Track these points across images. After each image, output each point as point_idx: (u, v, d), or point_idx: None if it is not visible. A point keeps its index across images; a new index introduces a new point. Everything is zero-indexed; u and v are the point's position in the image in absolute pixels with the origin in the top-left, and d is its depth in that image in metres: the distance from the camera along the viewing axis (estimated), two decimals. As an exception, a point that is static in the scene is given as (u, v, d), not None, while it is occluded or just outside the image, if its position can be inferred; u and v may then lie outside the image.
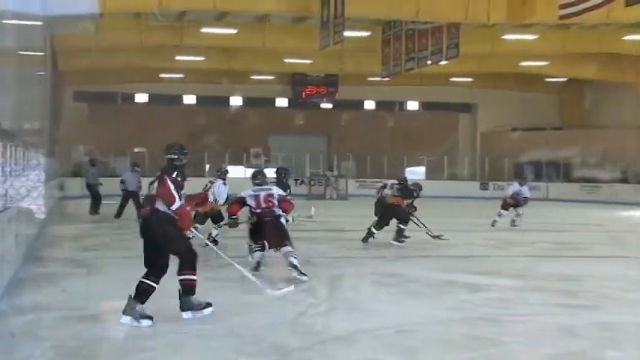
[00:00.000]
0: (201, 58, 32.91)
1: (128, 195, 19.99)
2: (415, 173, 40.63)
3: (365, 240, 14.50)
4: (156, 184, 7.50)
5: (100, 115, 37.50)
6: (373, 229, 14.55)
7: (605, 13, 19.24)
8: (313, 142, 41.06)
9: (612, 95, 38.13)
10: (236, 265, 8.42)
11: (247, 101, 41.27)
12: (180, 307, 7.49)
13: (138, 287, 7.27)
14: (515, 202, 18.63)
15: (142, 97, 40.26)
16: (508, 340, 6.96)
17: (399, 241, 14.47)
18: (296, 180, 30.71)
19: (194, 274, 7.43)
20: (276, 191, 10.59)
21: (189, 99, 40.82)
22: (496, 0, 20.78)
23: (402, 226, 14.58)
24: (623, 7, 16.23)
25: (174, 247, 7.40)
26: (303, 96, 40.24)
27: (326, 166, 38.73)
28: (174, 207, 7.35)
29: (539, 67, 34.84)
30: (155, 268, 7.31)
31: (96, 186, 21.55)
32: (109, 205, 20.64)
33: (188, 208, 7.70)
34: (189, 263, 7.38)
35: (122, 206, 20.06)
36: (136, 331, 7.06)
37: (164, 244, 7.37)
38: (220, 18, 26.91)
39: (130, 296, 7.23)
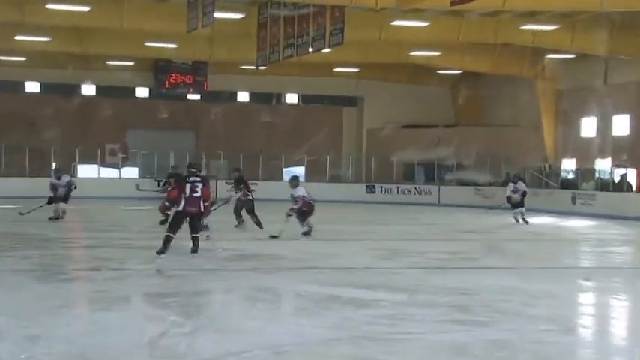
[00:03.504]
0: (47, 39, 32.04)
1: None
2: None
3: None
4: None
5: None
6: None
7: (501, 0, 19.88)
8: (178, 138, 40.73)
9: (509, 90, 39.18)
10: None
11: (102, 90, 40.53)
12: None
13: None
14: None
15: (-25, 83, 39.04)
16: (396, 360, 7.06)
17: None
18: (158, 182, 30.27)
19: None
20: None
21: (32, 86, 39.73)
22: (385, -18, 21.15)
23: None
24: (521, -7, 16.83)
25: None
26: (167, 85, 39.86)
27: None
28: None
29: (431, 58, 35.57)
30: None
31: None
32: None
33: None
34: None
35: None
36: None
37: None
38: (70, -8, 26.29)
39: None
